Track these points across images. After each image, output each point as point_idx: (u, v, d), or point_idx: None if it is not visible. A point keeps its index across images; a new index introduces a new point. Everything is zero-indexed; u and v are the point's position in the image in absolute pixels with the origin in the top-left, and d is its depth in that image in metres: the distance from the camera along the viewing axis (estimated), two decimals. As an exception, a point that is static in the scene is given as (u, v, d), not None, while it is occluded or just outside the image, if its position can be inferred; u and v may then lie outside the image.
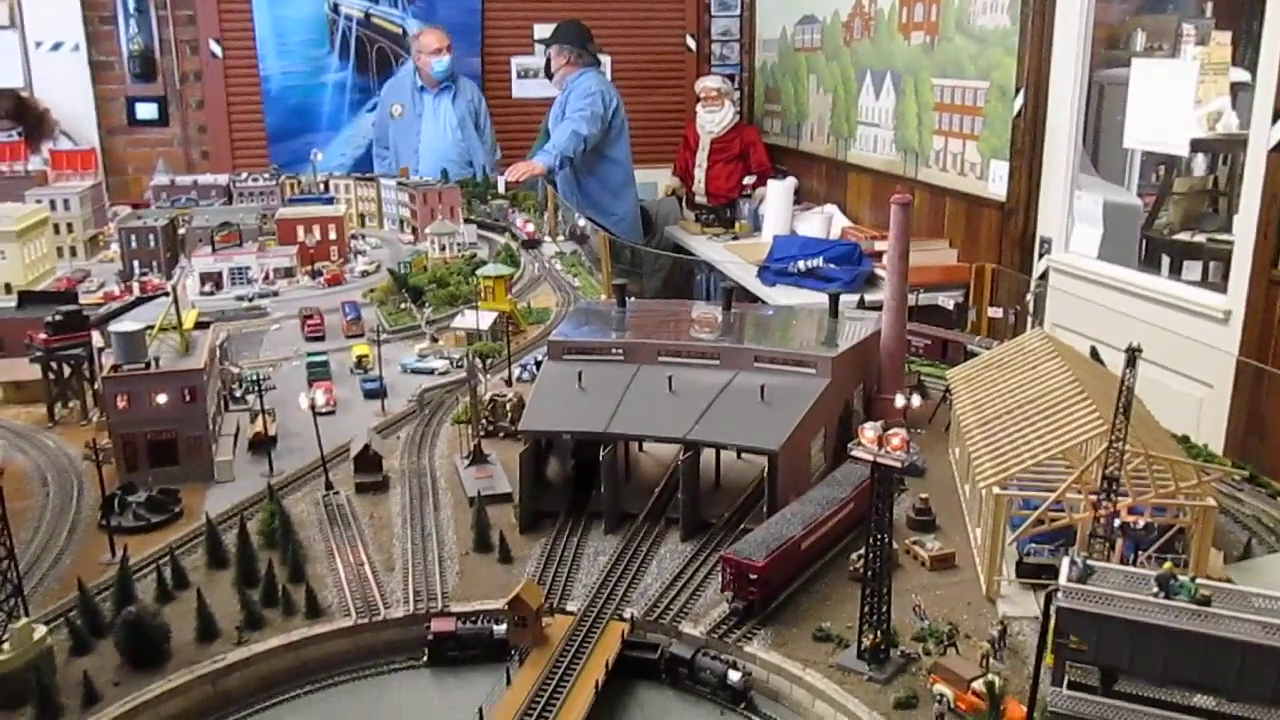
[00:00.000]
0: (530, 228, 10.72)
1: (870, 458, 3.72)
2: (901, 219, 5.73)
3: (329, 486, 5.40)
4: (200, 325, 6.13)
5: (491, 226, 11.37)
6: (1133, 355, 3.69)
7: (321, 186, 11.95)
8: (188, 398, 5.42)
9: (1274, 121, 7.15)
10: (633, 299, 6.45)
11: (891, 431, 3.69)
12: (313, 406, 5.46)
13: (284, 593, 4.37)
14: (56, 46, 14.35)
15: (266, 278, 9.15)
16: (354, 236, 10.69)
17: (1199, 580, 2.88)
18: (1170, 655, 2.83)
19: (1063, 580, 2.93)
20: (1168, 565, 3.06)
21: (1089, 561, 3.01)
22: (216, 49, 14.93)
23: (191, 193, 11.50)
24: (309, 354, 7.26)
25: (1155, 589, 2.88)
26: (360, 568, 4.64)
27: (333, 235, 9.78)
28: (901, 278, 5.79)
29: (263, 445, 5.84)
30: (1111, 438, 3.72)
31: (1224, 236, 8.46)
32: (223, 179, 11.90)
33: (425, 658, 4.21)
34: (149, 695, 3.85)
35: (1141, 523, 4.02)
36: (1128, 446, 3.77)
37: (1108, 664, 2.94)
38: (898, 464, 3.70)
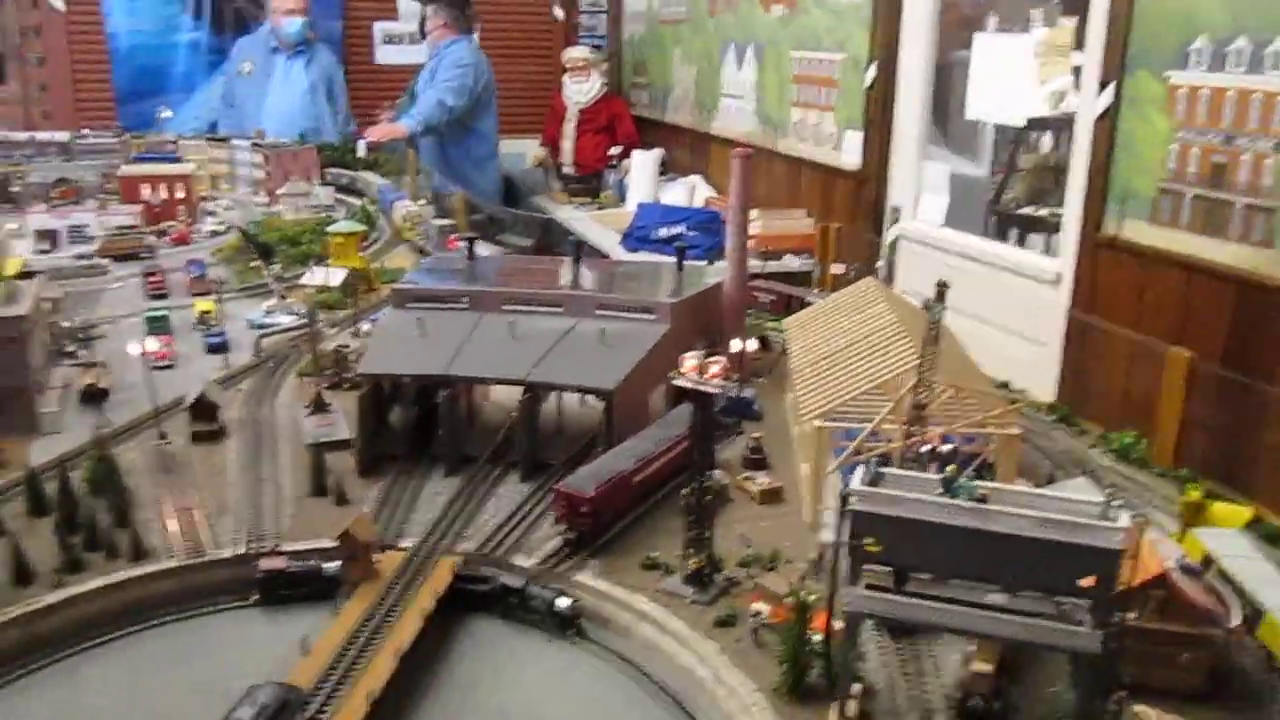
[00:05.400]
0: None
1: (690, 385, 3.82)
2: (741, 171, 5.87)
3: (162, 436, 5.27)
4: (24, 275, 5.89)
5: (349, 189, 11.16)
6: (941, 290, 3.87)
7: (170, 146, 11.52)
8: (7, 346, 5.21)
9: (1100, 90, 7.55)
10: (484, 253, 6.45)
11: (711, 359, 3.80)
12: (144, 354, 5.33)
13: (108, 537, 4.27)
14: (-120, -4, 13.43)
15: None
16: (204, 198, 10.36)
17: (976, 482, 3.07)
18: (953, 551, 3.01)
19: (855, 484, 3.08)
20: (951, 468, 3.25)
21: (880, 469, 3.17)
22: (58, 2, 14.18)
23: (27, 148, 10.94)
24: (149, 310, 7.05)
25: (939, 489, 3.06)
26: (189, 512, 4.55)
27: (180, 193, 9.46)
28: (741, 229, 5.94)
29: (95, 397, 5.66)
30: (920, 370, 3.91)
31: (1063, 210, 8.85)
32: (61, 135, 11.35)
33: (256, 596, 4.17)
34: (-50, 641, 3.72)
35: (949, 448, 4.23)
36: (937, 378, 3.96)
37: (899, 563, 3.12)
38: (717, 390, 3.81)
